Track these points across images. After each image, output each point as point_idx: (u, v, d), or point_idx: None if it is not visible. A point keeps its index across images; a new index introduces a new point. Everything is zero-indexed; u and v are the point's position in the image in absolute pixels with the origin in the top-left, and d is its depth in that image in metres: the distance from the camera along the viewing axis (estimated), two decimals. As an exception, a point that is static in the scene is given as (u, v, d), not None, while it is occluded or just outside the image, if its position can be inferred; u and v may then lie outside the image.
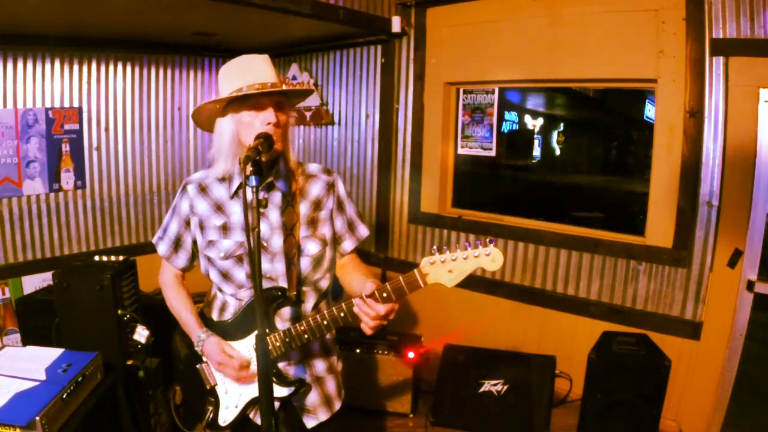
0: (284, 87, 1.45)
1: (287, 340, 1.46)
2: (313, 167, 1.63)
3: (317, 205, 1.58)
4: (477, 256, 1.26)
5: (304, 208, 1.56)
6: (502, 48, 3.32)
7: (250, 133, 1.42)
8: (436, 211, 3.76)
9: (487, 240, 1.26)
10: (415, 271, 1.30)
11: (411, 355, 2.95)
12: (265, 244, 1.50)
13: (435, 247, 1.30)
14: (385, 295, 1.32)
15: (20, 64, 3.31)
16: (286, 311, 1.54)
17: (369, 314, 1.33)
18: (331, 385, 1.66)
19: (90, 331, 2.24)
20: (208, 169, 1.58)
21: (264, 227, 1.49)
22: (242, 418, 1.57)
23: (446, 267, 1.28)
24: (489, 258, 1.26)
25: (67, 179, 3.60)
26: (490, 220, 3.57)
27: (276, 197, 1.52)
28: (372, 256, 3.99)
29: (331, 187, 1.61)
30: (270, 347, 1.47)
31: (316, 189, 1.59)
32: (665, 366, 2.41)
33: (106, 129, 3.78)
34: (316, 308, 1.60)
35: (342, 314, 1.39)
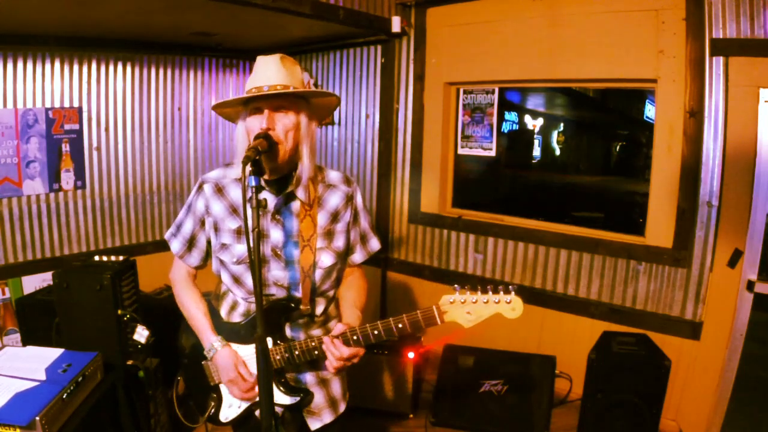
0: (278, 90, 1.36)
1: (297, 353, 1.47)
2: (334, 176, 1.59)
3: (335, 217, 1.55)
4: (497, 302, 1.30)
5: (321, 219, 1.53)
6: (502, 48, 3.32)
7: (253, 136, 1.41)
8: (436, 211, 3.75)
9: (510, 287, 1.29)
10: (434, 307, 1.32)
11: (411, 355, 2.95)
12: (279, 252, 1.49)
13: (456, 285, 1.31)
14: (355, 338, 1.39)
15: (20, 64, 3.30)
16: (297, 322, 1.54)
17: (334, 354, 1.39)
18: (336, 387, 1.65)
19: (90, 331, 2.23)
20: (226, 169, 1.55)
21: (279, 234, 1.48)
22: (245, 415, 1.57)
23: (465, 308, 1.31)
24: (509, 306, 1.29)
25: (67, 179, 3.60)
26: (490, 220, 3.56)
27: (295, 205, 1.50)
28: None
29: (349, 199, 1.59)
30: (278, 357, 1.47)
31: (334, 200, 1.56)
32: (665, 366, 2.41)
33: (106, 129, 3.77)
34: (325, 313, 1.60)
35: (355, 338, 1.41)
